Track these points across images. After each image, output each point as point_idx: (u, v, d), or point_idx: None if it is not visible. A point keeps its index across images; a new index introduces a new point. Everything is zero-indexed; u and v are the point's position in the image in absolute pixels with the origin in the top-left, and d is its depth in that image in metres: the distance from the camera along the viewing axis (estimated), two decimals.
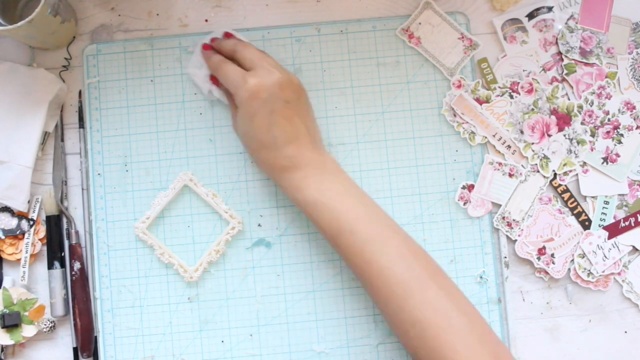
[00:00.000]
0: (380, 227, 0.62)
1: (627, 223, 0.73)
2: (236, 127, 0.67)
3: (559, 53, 0.74)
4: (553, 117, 0.73)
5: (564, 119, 0.73)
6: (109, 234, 0.72)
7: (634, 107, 0.74)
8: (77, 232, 0.72)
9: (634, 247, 0.73)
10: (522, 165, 0.73)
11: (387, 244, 0.61)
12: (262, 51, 0.68)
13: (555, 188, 0.73)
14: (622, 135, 0.73)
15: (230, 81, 0.65)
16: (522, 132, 0.73)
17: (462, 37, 0.74)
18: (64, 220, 0.73)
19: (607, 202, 0.73)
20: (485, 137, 0.73)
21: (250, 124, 0.64)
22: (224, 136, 0.73)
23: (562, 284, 0.73)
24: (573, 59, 0.74)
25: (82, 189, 0.73)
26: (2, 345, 0.71)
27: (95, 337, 0.71)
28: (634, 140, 0.73)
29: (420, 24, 0.74)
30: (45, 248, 0.72)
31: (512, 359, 0.60)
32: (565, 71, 0.74)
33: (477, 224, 0.73)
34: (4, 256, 0.72)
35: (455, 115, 0.73)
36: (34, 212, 0.72)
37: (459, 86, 0.73)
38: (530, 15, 0.75)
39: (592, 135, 0.73)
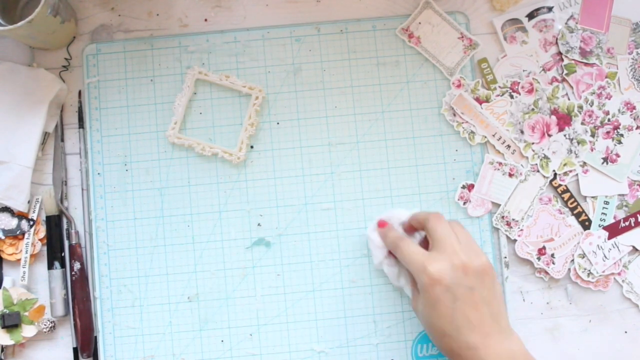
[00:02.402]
0: None
1: (627, 223, 0.73)
2: (417, 308, 0.63)
3: (559, 53, 0.74)
4: (553, 117, 0.73)
5: (564, 119, 0.73)
6: (108, 234, 0.72)
7: (634, 107, 0.74)
8: (77, 232, 0.72)
9: (634, 247, 0.72)
10: (522, 165, 0.73)
11: None
12: (456, 224, 0.64)
13: (555, 188, 0.73)
14: (622, 135, 0.73)
15: (409, 263, 0.62)
16: (522, 132, 0.73)
17: (462, 37, 0.74)
18: (64, 220, 0.73)
19: (607, 202, 0.73)
20: (485, 137, 0.73)
21: (432, 311, 0.60)
22: (224, 136, 0.73)
23: (562, 284, 0.73)
24: (573, 59, 0.74)
25: (82, 189, 0.73)
26: (2, 345, 0.71)
27: (95, 337, 0.71)
28: (634, 140, 0.73)
29: (420, 23, 0.74)
30: (45, 248, 0.72)
31: None
32: (565, 71, 0.74)
33: (477, 224, 0.73)
34: (4, 256, 0.72)
35: (455, 115, 0.73)
36: (34, 212, 0.72)
37: (459, 86, 0.73)
38: (530, 15, 0.75)
39: (592, 135, 0.73)
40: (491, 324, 0.59)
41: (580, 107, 0.73)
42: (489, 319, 0.59)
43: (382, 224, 0.69)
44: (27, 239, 0.71)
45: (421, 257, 0.61)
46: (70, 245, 0.72)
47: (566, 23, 0.74)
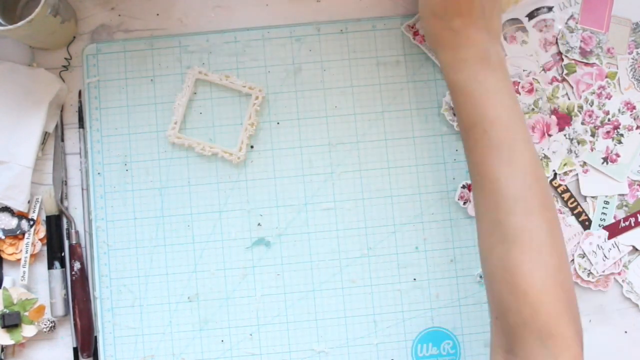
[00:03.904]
0: (515, 137, 0.59)
1: (627, 223, 0.73)
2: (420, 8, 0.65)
3: (559, 53, 0.74)
4: (553, 117, 0.73)
5: (564, 119, 0.73)
6: (109, 234, 0.72)
7: (634, 107, 0.74)
8: (77, 232, 0.72)
9: (634, 247, 0.72)
10: None
11: (515, 156, 0.59)
12: None
13: (555, 188, 0.73)
14: (622, 135, 0.73)
15: None
16: None
17: None
18: (64, 220, 0.73)
19: (607, 202, 0.73)
20: None
21: None
22: (224, 136, 0.73)
23: None
24: (573, 59, 0.74)
25: (82, 189, 0.73)
26: (2, 345, 0.71)
27: (95, 337, 0.71)
28: (634, 140, 0.73)
29: None
30: (45, 248, 0.72)
31: (581, 326, 0.58)
32: (565, 71, 0.74)
33: None
34: (4, 256, 0.72)
35: (455, 115, 0.73)
36: (34, 212, 0.72)
37: None
38: (530, 15, 0.75)
39: (592, 135, 0.73)
40: (479, 16, 0.61)
41: (580, 107, 0.73)
42: (478, 10, 0.61)
43: None
44: (27, 238, 0.71)
45: None
46: (70, 245, 0.72)
47: (566, 23, 0.74)
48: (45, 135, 0.73)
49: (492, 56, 0.62)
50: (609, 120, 0.73)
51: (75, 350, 0.71)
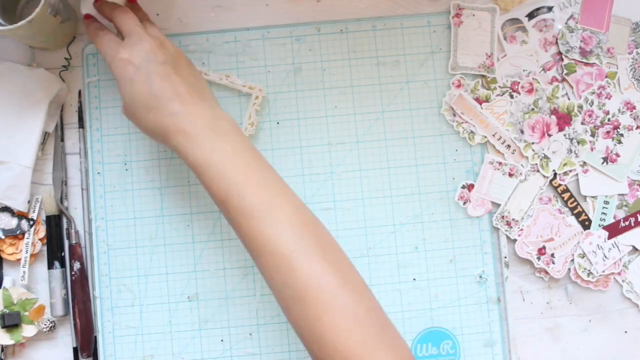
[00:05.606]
0: (272, 193, 0.59)
1: (627, 223, 0.73)
2: (124, 108, 0.64)
3: (559, 53, 0.74)
4: (553, 116, 0.73)
5: (564, 119, 0.73)
6: (108, 233, 0.72)
7: (634, 107, 0.74)
8: (77, 232, 0.72)
9: (634, 247, 0.72)
10: (522, 165, 0.73)
11: (277, 212, 0.58)
12: (140, 16, 0.68)
13: (555, 188, 0.73)
14: (622, 135, 0.73)
15: (105, 53, 0.64)
16: (522, 131, 0.73)
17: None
18: (64, 220, 0.73)
19: (607, 202, 0.73)
20: (485, 137, 0.73)
21: (130, 91, 0.62)
22: None
23: (562, 284, 0.73)
24: (573, 59, 0.74)
25: (82, 189, 0.73)
26: (2, 345, 0.71)
27: (95, 336, 0.71)
28: (634, 140, 0.73)
29: (474, 15, 0.73)
30: (45, 248, 0.72)
31: (404, 344, 0.57)
32: (565, 71, 0.74)
33: (476, 224, 0.73)
34: (4, 256, 0.72)
35: (454, 115, 0.73)
36: (34, 212, 0.72)
37: (459, 86, 0.73)
38: (530, 15, 0.75)
39: (592, 135, 0.73)
40: (190, 93, 0.62)
41: (580, 106, 0.73)
42: (186, 89, 0.62)
43: (88, 17, 0.69)
44: (27, 238, 0.71)
45: (114, 45, 0.64)
46: (70, 245, 0.72)
47: (566, 23, 0.74)
48: (45, 135, 0.73)
49: (221, 122, 0.62)
50: (609, 120, 0.73)
51: (75, 350, 0.72)
